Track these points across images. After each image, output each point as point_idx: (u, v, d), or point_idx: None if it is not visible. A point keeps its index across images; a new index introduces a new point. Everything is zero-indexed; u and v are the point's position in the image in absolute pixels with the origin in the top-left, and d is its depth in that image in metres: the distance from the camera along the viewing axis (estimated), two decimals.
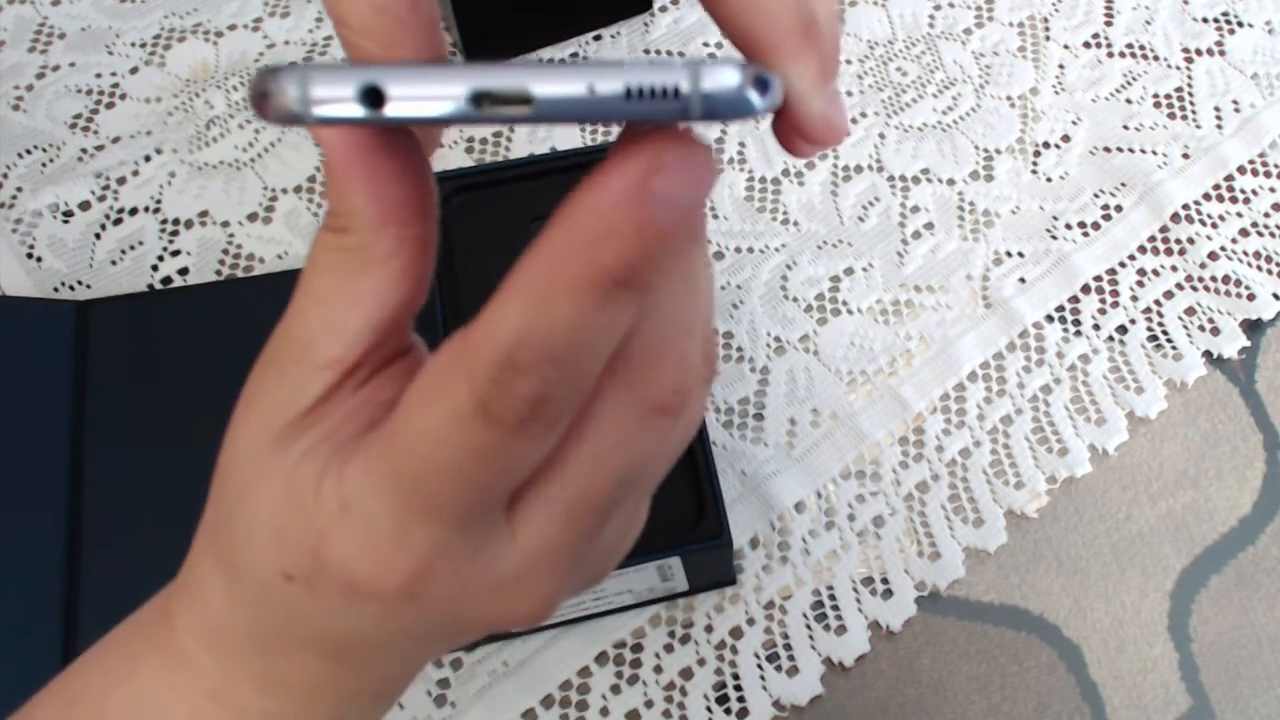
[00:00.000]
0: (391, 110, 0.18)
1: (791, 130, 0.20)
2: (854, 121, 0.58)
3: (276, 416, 0.21)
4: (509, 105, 0.18)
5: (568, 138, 0.57)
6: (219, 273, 0.53)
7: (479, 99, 0.18)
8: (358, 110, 0.18)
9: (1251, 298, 0.53)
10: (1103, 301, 0.53)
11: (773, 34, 0.20)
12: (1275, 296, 0.53)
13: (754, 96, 0.18)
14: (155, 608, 0.25)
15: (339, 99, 0.18)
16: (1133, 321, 0.52)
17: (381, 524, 0.20)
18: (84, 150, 0.56)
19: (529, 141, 0.57)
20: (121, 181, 0.55)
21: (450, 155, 0.56)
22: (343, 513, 0.20)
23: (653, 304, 0.20)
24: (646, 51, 0.60)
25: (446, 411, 0.19)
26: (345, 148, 0.21)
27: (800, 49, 0.20)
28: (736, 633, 0.46)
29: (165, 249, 0.53)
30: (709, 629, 0.46)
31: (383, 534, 0.20)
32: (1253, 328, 0.52)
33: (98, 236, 0.54)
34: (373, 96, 0.18)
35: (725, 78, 0.17)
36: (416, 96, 0.18)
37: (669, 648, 0.45)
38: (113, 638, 0.25)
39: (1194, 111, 0.58)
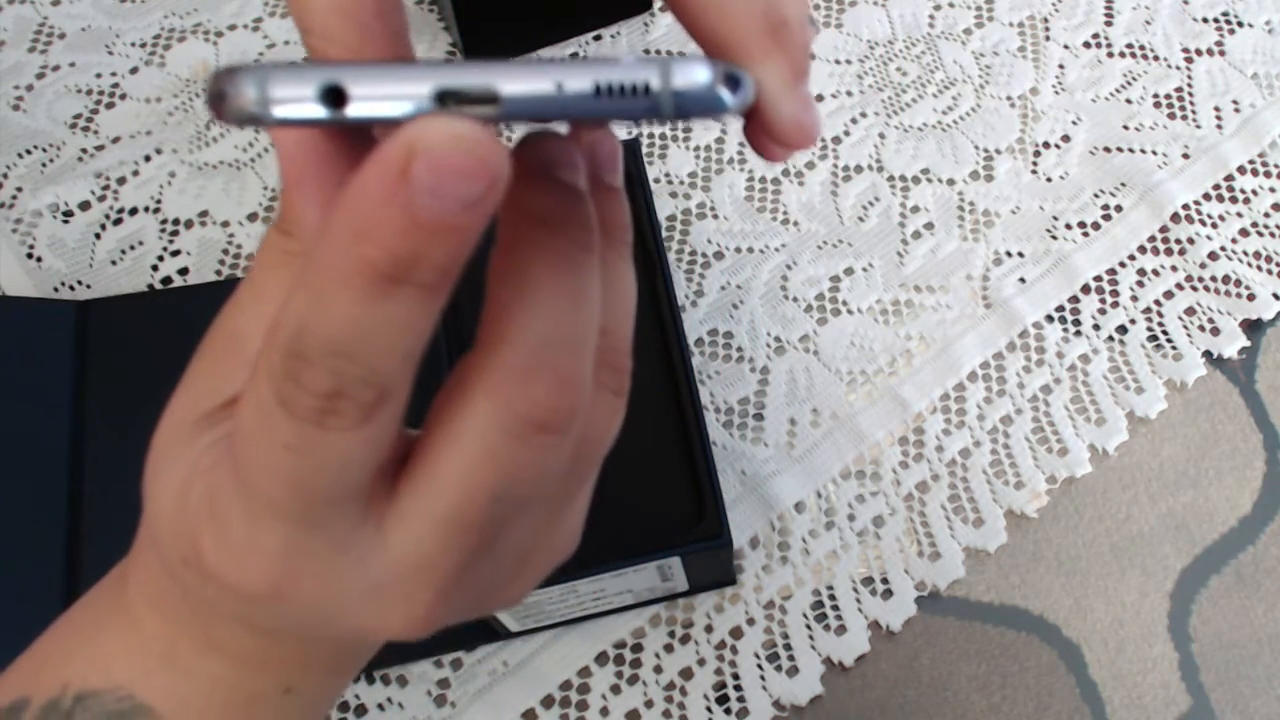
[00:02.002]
0: (353, 110, 0.17)
1: (763, 133, 0.20)
2: (854, 121, 0.58)
3: (200, 403, 0.22)
4: (475, 104, 0.17)
5: None
6: (219, 273, 0.53)
7: (444, 97, 0.17)
8: (319, 111, 0.17)
9: (1251, 298, 0.53)
10: (1103, 301, 0.53)
11: (741, 36, 0.19)
12: (1275, 296, 0.53)
13: (725, 94, 0.17)
14: (118, 571, 0.25)
15: (299, 99, 0.17)
16: (1133, 321, 0.52)
17: (237, 527, 0.20)
18: (84, 150, 0.56)
19: None
20: (121, 181, 0.55)
21: None
22: (211, 515, 0.20)
23: (523, 316, 0.20)
24: (646, 51, 0.60)
25: (255, 407, 0.18)
26: (299, 155, 0.20)
27: (770, 50, 0.19)
28: (736, 633, 0.46)
29: (165, 249, 0.53)
30: (709, 629, 0.46)
31: (239, 537, 0.20)
32: (1253, 328, 0.52)
33: (98, 236, 0.54)
34: (334, 96, 0.17)
35: (697, 75, 0.17)
36: (379, 96, 0.17)
37: (669, 648, 0.45)
38: (82, 602, 0.25)
39: (1194, 111, 0.58)
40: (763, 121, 0.20)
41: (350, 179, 0.16)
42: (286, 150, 0.20)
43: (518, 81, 0.17)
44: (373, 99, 0.17)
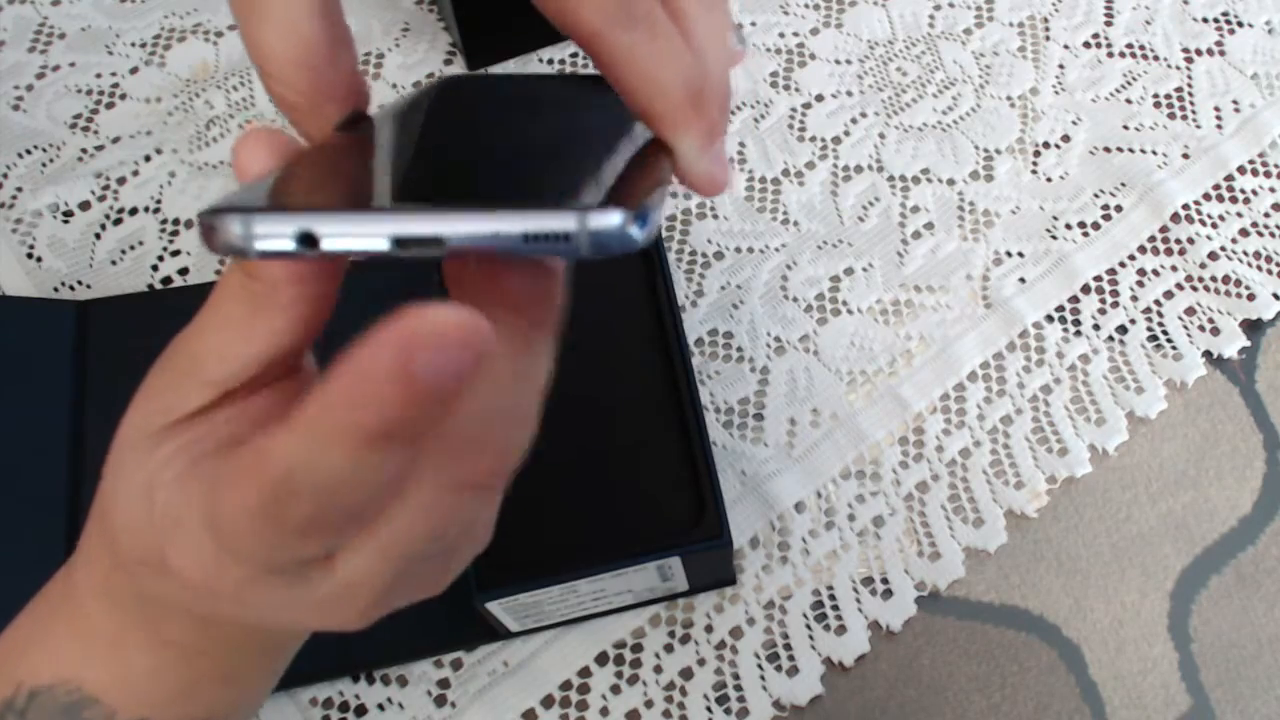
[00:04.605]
0: (324, 246, 0.20)
1: (687, 185, 0.23)
2: (854, 121, 0.58)
3: (155, 417, 0.23)
4: (425, 247, 0.20)
5: None
6: (219, 273, 0.53)
7: (400, 242, 0.19)
8: (293, 246, 0.20)
9: (1251, 298, 0.53)
10: (1103, 301, 0.53)
11: (666, 109, 0.22)
12: (1275, 296, 0.53)
13: (635, 231, 0.19)
14: (63, 571, 0.27)
15: (278, 236, 0.20)
16: (1133, 321, 0.52)
17: (205, 552, 0.22)
18: (84, 150, 0.56)
19: None
20: (121, 181, 0.55)
21: None
22: (176, 527, 0.22)
23: (478, 400, 0.21)
24: None
25: (242, 504, 0.20)
26: None
27: (689, 121, 0.22)
28: (736, 633, 0.46)
29: (165, 249, 0.54)
30: (709, 629, 0.46)
31: (206, 559, 0.22)
32: (1253, 328, 0.52)
33: (98, 236, 0.54)
34: (307, 239, 0.19)
35: (609, 219, 0.19)
36: (345, 236, 0.20)
37: (669, 648, 0.45)
38: (33, 602, 0.27)
39: (1194, 111, 0.58)
40: (681, 176, 0.23)
41: (359, 346, 0.18)
42: None
43: (460, 230, 0.19)
44: (340, 238, 0.20)
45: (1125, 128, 0.58)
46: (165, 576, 0.23)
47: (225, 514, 0.21)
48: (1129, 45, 0.60)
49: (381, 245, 0.19)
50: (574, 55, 0.59)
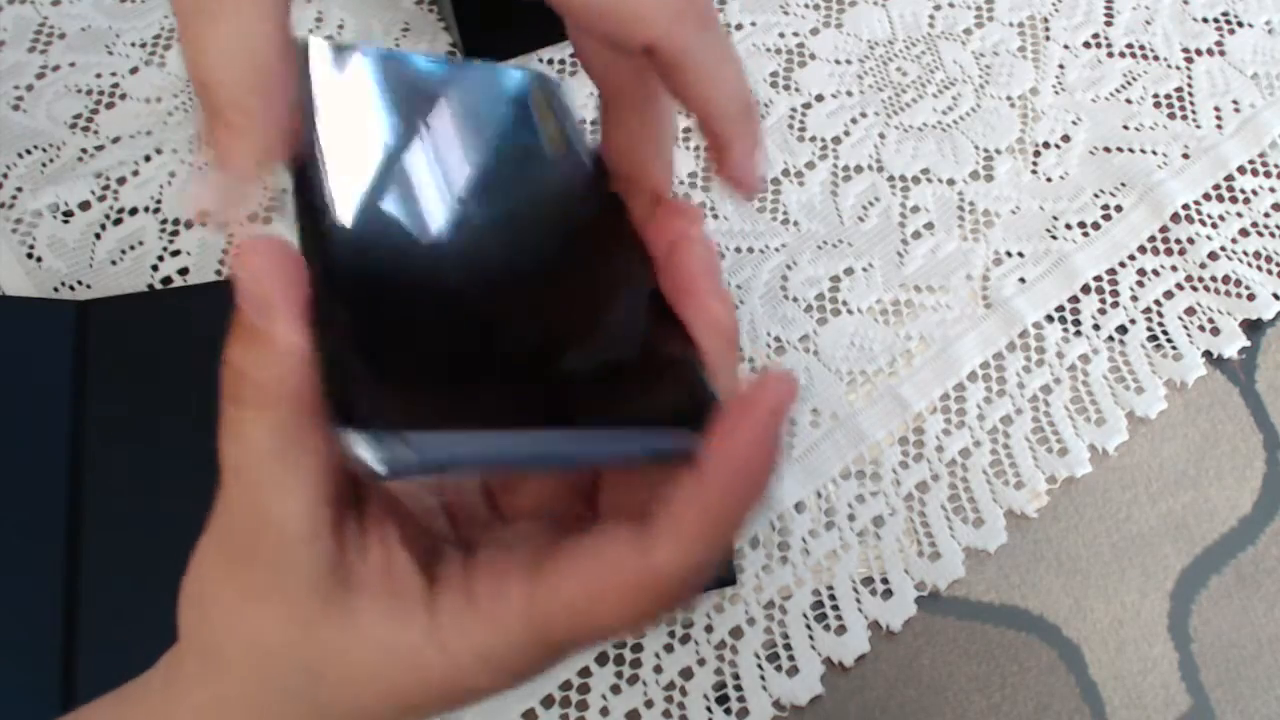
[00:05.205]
0: (465, 463, 0.20)
1: (732, 184, 0.26)
2: (854, 121, 0.58)
3: (300, 606, 0.22)
4: (547, 465, 0.22)
5: None
6: (219, 273, 0.53)
7: (529, 463, 0.21)
8: (446, 468, 0.20)
9: (1251, 298, 0.53)
10: (1103, 301, 0.53)
11: (730, 116, 0.25)
12: (1275, 296, 0.53)
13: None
14: None
15: (447, 466, 0.20)
16: (1133, 321, 0.52)
17: (523, 664, 0.23)
18: (84, 150, 0.56)
19: None
20: (121, 181, 0.55)
21: None
22: (482, 662, 0.22)
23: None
24: None
25: (628, 611, 0.22)
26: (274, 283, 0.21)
27: (745, 128, 0.25)
28: (736, 633, 0.46)
29: (165, 249, 0.53)
30: (709, 629, 0.46)
31: (521, 670, 0.23)
32: (1253, 328, 0.52)
33: (98, 236, 0.54)
34: (457, 465, 0.20)
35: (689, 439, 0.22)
36: (493, 462, 0.20)
37: (669, 648, 0.45)
38: None
39: (1194, 111, 0.58)
40: (733, 177, 0.26)
41: (728, 442, 0.21)
42: (259, 276, 0.21)
43: (595, 452, 0.21)
44: (485, 469, 0.22)
45: (1125, 128, 0.58)
46: (437, 706, 0.23)
47: (586, 629, 0.22)
48: (1129, 45, 0.60)
49: (523, 464, 0.21)
50: (573, 56, 0.59)
